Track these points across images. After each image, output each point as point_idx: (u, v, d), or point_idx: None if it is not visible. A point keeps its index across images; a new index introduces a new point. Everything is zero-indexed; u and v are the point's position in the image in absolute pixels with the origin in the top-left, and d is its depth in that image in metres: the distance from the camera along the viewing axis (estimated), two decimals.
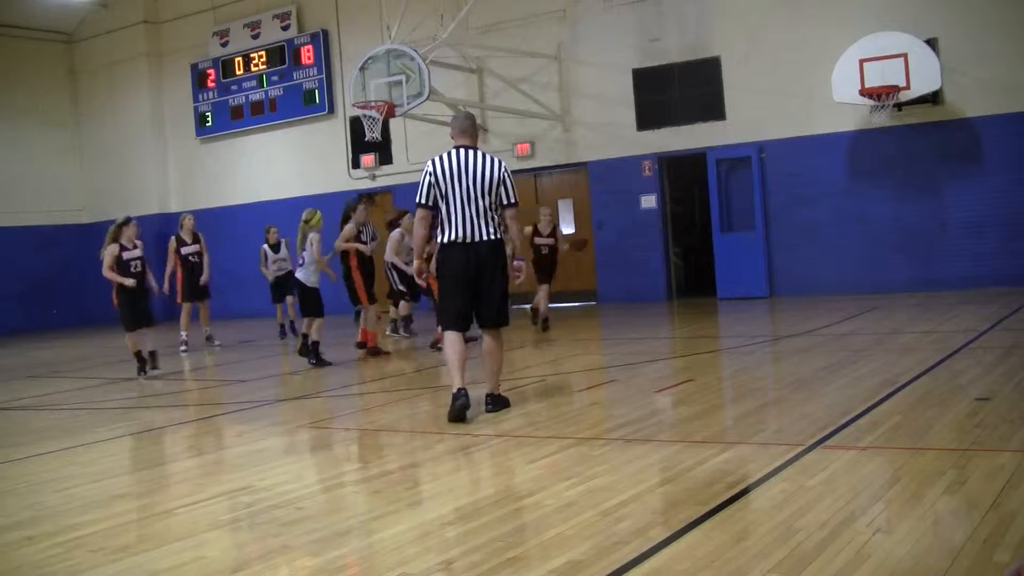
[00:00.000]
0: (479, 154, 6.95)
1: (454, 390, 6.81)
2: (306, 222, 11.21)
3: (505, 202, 6.94)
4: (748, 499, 4.43)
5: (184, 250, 14.37)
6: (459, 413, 6.72)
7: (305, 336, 11.26)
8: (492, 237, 6.88)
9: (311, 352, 11.11)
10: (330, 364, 11.03)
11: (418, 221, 7.01)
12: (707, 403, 7.15)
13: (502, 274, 6.99)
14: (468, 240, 6.82)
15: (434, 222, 7.07)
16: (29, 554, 4.40)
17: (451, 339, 6.93)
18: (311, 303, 11.22)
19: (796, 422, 6.02)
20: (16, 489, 5.97)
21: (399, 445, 6.36)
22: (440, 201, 6.86)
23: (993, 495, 4.10)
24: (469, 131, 7.12)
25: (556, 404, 7.52)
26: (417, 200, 6.94)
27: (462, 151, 6.96)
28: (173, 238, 14.57)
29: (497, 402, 7.07)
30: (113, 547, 4.39)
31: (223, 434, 7.44)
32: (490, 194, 6.84)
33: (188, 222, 14.59)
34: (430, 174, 6.89)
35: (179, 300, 14.60)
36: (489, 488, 4.98)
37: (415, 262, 7.27)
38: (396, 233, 13.07)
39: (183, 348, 14.29)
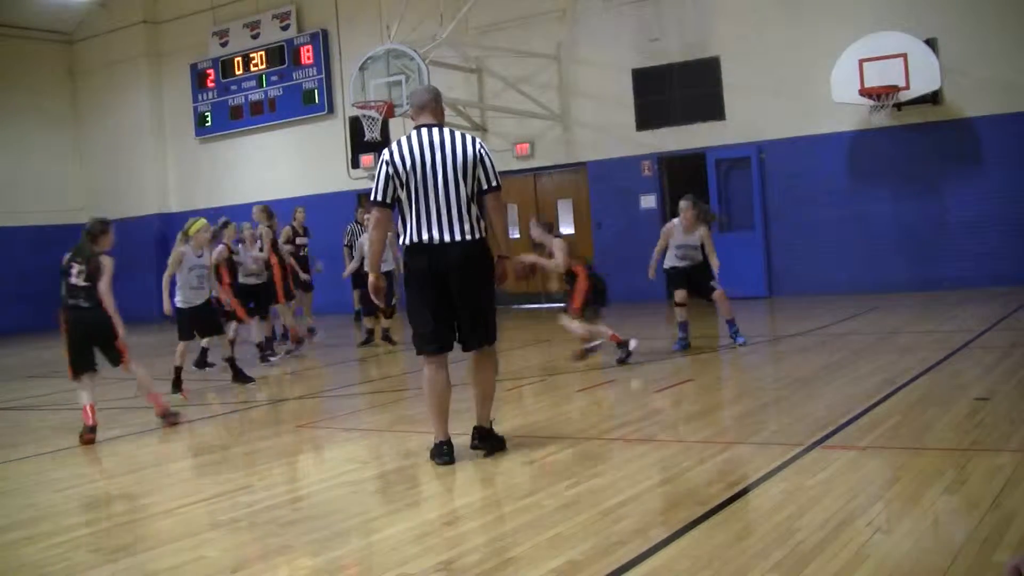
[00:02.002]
0: (446, 132, 5.62)
1: (436, 440, 5.64)
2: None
3: (485, 186, 5.59)
4: (748, 499, 4.43)
5: (298, 240, 14.35)
6: (442, 464, 5.57)
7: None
8: (469, 237, 5.49)
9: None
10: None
11: (374, 224, 5.66)
12: (706, 403, 7.15)
13: (486, 283, 5.66)
14: (437, 242, 5.46)
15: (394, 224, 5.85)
16: (29, 554, 4.40)
17: (428, 372, 5.61)
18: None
19: (796, 422, 6.01)
20: (16, 489, 5.96)
21: (398, 445, 6.35)
22: (401, 193, 5.52)
23: (993, 495, 4.10)
24: (430, 106, 5.76)
25: (555, 404, 7.52)
26: (372, 197, 5.61)
27: (424, 131, 5.61)
28: (288, 228, 14.47)
29: (487, 440, 5.73)
30: (112, 547, 4.39)
31: (223, 434, 7.44)
32: (466, 180, 5.50)
33: (300, 215, 14.57)
34: (387, 163, 5.53)
35: (293, 289, 14.61)
36: (488, 488, 4.98)
37: (371, 276, 5.82)
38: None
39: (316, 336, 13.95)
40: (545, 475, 5.15)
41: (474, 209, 5.55)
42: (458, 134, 5.62)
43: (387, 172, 5.52)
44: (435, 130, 5.61)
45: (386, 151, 5.58)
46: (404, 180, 5.49)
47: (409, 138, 5.59)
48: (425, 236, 5.47)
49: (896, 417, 5.90)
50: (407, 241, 5.53)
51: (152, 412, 7.96)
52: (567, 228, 18.07)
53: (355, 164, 20.18)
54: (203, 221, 9.95)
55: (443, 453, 5.55)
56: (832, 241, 15.33)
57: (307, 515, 4.70)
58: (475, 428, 5.78)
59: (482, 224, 5.61)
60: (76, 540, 4.55)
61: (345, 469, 5.82)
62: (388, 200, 5.55)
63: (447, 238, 5.46)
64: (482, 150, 5.62)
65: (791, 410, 6.44)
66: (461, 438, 5.77)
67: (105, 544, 4.44)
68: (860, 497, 4.29)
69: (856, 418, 5.93)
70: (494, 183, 5.61)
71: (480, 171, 5.56)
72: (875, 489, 4.44)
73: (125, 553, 4.29)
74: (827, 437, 5.47)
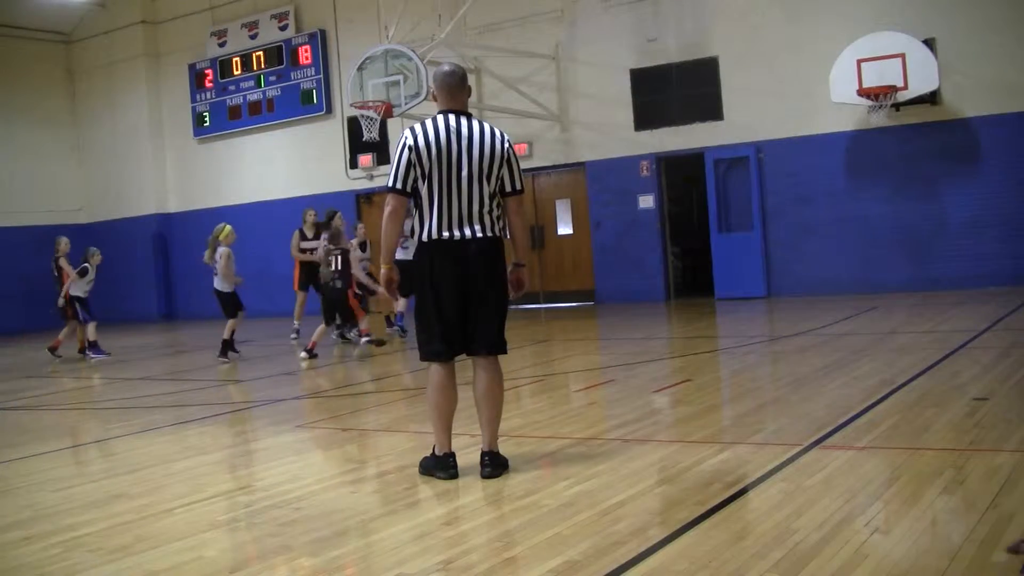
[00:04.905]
0: (475, 123, 5.20)
1: (439, 452, 5.27)
2: (215, 237, 12.19)
3: (509, 188, 5.21)
4: (746, 499, 4.43)
5: (304, 244, 14.54)
6: (448, 478, 5.19)
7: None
8: (488, 234, 5.13)
9: (225, 348, 12.32)
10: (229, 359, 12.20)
11: (389, 214, 5.15)
12: (705, 403, 7.15)
13: (500, 283, 5.27)
14: (458, 238, 5.09)
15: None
16: (27, 554, 4.40)
17: (435, 380, 5.17)
18: (229, 306, 12.45)
19: (794, 422, 6.02)
20: (14, 489, 5.96)
21: (397, 445, 6.35)
22: (421, 184, 5.09)
23: (991, 495, 4.11)
24: (458, 91, 5.29)
25: (554, 404, 7.52)
26: (390, 183, 5.11)
27: (452, 118, 5.17)
28: (296, 232, 14.70)
29: (496, 463, 5.20)
30: (111, 547, 4.39)
31: (221, 434, 7.44)
32: (489, 179, 5.12)
33: (310, 217, 14.68)
34: (410, 148, 5.06)
35: (296, 288, 14.86)
36: (487, 488, 4.98)
37: (383, 269, 5.26)
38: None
39: (293, 336, 14.45)
40: (544, 475, 5.15)
41: (495, 209, 5.19)
42: (487, 126, 5.22)
43: (409, 158, 5.06)
44: (463, 118, 5.18)
45: (408, 134, 5.11)
46: (427, 170, 5.05)
47: (435, 122, 5.14)
48: (446, 234, 5.07)
49: (895, 417, 5.90)
50: (424, 238, 5.12)
51: (152, 412, 7.94)
52: (566, 228, 18.12)
53: (353, 164, 20.19)
54: (229, 227, 12.33)
55: (450, 466, 5.18)
56: (830, 241, 15.34)
57: (306, 515, 4.70)
58: (485, 454, 5.20)
59: (499, 224, 5.23)
60: (75, 540, 4.55)
61: (345, 469, 5.82)
62: (408, 188, 5.09)
63: (467, 234, 5.09)
64: (511, 149, 5.25)
65: (790, 410, 6.44)
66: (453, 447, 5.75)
67: (104, 544, 4.44)
68: (859, 497, 4.29)
69: (855, 418, 5.94)
70: (518, 186, 5.25)
71: (505, 171, 5.19)
72: (874, 489, 4.44)
73: (124, 553, 4.29)
74: (826, 437, 5.48)
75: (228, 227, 12.36)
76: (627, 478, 4.92)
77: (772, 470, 4.83)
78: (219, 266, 12.15)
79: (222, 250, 12.14)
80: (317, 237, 14.49)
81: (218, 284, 12.32)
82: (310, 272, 14.46)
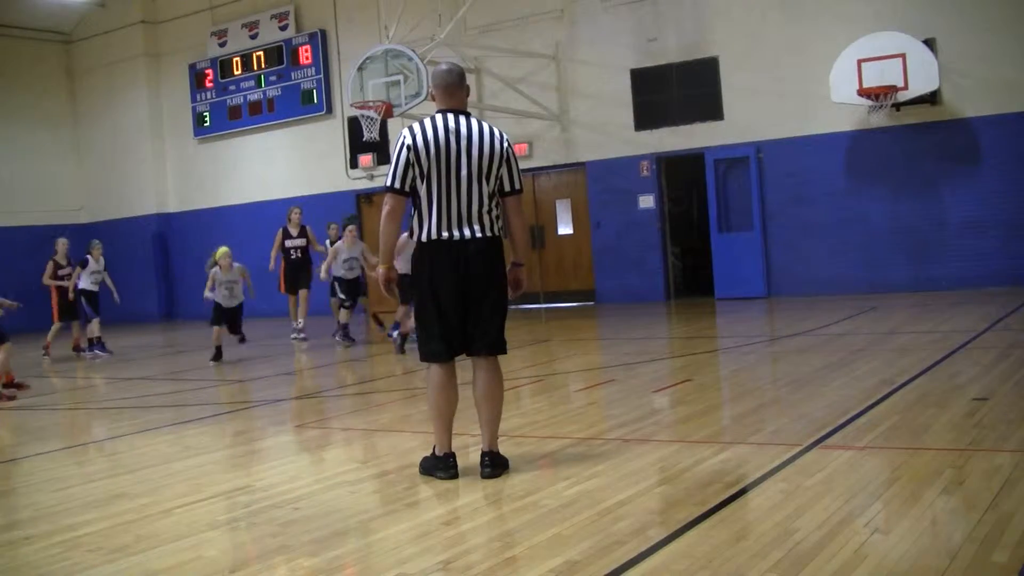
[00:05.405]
0: (474, 122, 5.18)
1: (439, 452, 5.27)
2: (213, 259, 12.58)
3: (508, 188, 5.20)
4: (746, 499, 4.43)
5: (288, 243, 14.57)
6: (448, 478, 5.20)
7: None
8: (488, 234, 5.12)
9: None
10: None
11: (388, 214, 5.16)
12: (705, 403, 7.15)
13: (499, 283, 5.23)
14: (457, 238, 5.08)
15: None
16: (27, 554, 4.40)
17: (436, 380, 5.17)
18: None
19: (794, 422, 6.02)
20: (14, 489, 5.97)
21: (397, 445, 6.35)
22: (419, 184, 5.09)
23: (991, 495, 4.11)
24: (457, 89, 5.27)
25: (554, 404, 7.52)
26: (387, 182, 5.12)
27: (450, 117, 5.16)
28: (280, 230, 14.77)
29: (496, 463, 5.20)
30: (111, 547, 4.39)
31: (221, 434, 7.44)
32: (488, 179, 5.10)
33: (295, 215, 14.68)
34: (409, 147, 5.05)
35: (282, 291, 14.93)
36: (487, 488, 4.98)
37: (381, 268, 5.29)
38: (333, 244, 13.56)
39: (299, 336, 14.44)
40: (544, 475, 5.15)
41: (494, 209, 5.17)
42: (486, 126, 5.19)
43: (407, 158, 5.05)
44: (462, 118, 5.16)
45: (406, 133, 5.09)
46: (425, 170, 5.04)
47: (434, 121, 5.12)
48: (445, 234, 5.06)
49: (894, 417, 5.91)
50: (424, 236, 5.10)
51: (152, 412, 7.94)
52: (566, 228, 18.12)
53: (353, 164, 20.20)
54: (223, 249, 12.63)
55: (450, 466, 5.18)
56: (830, 241, 15.34)
57: (306, 515, 4.70)
58: (485, 454, 5.19)
59: (499, 224, 5.20)
60: (75, 540, 4.55)
61: (344, 469, 5.82)
62: (406, 187, 5.08)
63: (467, 234, 5.08)
64: (509, 149, 5.23)
65: (789, 410, 6.44)
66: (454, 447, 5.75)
67: (104, 544, 4.44)
68: (858, 497, 4.29)
69: (854, 418, 5.94)
70: (517, 186, 5.24)
71: (504, 170, 5.17)
72: (873, 489, 4.45)
73: (124, 553, 4.29)
74: (826, 437, 5.48)
75: (223, 249, 12.57)
76: (627, 478, 4.92)
77: (772, 470, 4.83)
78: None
79: (213, 271, 12.51)
80: (302, 235, 14.58)
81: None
82: (295, 272, 14.52)
